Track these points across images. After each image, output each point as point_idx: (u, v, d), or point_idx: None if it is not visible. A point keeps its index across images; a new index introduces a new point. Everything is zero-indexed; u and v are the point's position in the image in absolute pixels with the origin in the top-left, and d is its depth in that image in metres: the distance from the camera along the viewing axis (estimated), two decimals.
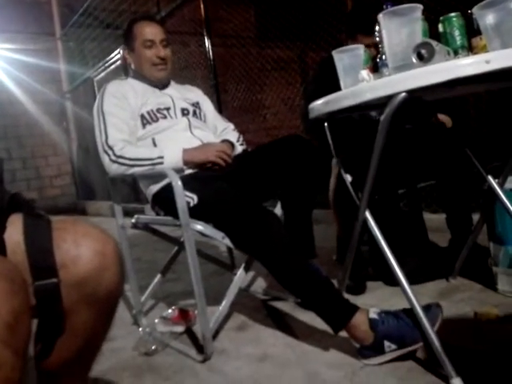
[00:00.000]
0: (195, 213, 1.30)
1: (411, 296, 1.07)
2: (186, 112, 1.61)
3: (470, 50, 1.06)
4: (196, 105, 1.68)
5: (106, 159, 1.46)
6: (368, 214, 1.19)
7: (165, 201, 1.43)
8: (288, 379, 1.15)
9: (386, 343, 1.11)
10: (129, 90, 1.58)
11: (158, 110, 1.56)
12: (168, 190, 1.30)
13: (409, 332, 1.10)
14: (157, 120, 1.55)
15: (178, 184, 1.24)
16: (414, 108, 1.64)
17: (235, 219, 1.28)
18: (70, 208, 6.22)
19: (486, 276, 1.51)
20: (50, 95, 6.17)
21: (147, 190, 1.55)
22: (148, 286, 1.69)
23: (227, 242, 1.32)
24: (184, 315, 1.51)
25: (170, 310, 1.54)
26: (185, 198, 1.28)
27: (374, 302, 1.50)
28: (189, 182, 1.33)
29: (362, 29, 1.66)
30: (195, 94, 1.76)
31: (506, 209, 1.33)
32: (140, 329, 1.52)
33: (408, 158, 1.67)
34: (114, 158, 1.44)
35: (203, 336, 1.28)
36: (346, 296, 1.28)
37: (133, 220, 1.54)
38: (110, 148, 1.45)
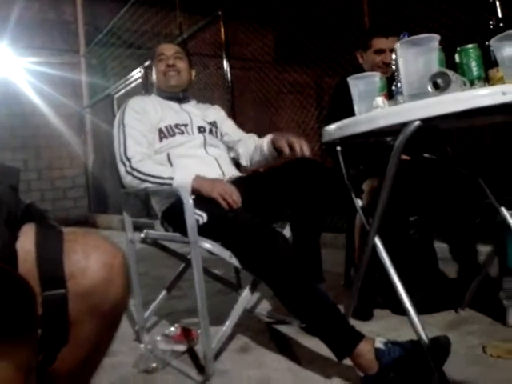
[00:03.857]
0: (204, 231, 1.31)
1: (419, 327, 1.05)
2: (202, 130, 1.64)
3: (487, 81, 1.06)
4: (213, 124, 1.71)
5: (122, 170, 1.48)
6: (377, 240, 1.18)
7: (174, 217, 1.44)
8: None
9: (392, 374, 1.08)
10: (149, 104, 1.62)
11: (177, 125, 1.59)
12: (178, 206, 1.31)
13: (415, 365, 1.07)
14: (174, 135, 1.57)
15: (188, 202, 1.25)
16: (430, 136, 1.64)
17: (244, 239, 1.27)
18: (82, 220, 6.29)
19: (497, 309, 1.47)
20: (71, 109, 6.34)
21: (157, 206, 1.56)
22: (152, 302, 1.68)
23: (234, 261, 1.31)
24: (186, 334, 1.49)
25: (172, 328, 1.52)
26: (194, 216, 1.28)
27: (380, 330, 1.47)
28: (199, 201, 1.34)
29: (378, 30, 1.67)
30: (215, 113, 1.78)
31: None
32: (141, 345, 1.51)
33: (421, 185, 1.66)
34: (129, 169, 1.46)
35: (205, 356, 1.26)
36: (353, 322, 1.25)
37: (142, 235, 1.55)
38: (128, 159, 1.47)
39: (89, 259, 0.67)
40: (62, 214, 6.18)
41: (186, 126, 1.61)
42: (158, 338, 1.50)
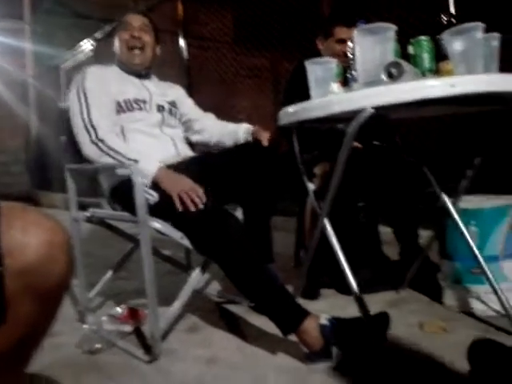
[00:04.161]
0: (154, 211, 1.28)
1: (363, 304, 1.10)
2: (161, 108, 1.59)
3: (437, 73, 1.10)
4: (173, 103, 1.66)
5: (85, 138, 1.39)
6: (327, 223, 1.21)
7: (123, 196, 1.39)
8: (235, 382, 1.14)
9: (335, 349, 1.13)
10: (110, 75, 1.56)
11: (136, 100, 1.54)
12: (127, 184, 1.26)
13: (357, 339, 1.12)
14: (132, 110, 1.52)
15: (138, 179, 1.21)
16: (380, 126, 1.69)
17: (195, 220, 1.26)
18: (24, 197, 5.94)
19: (434, 290, 1.57)
20: (13, 77, 5.91)
21: (106, 183, 1.50)
22: (98, 283, 1.63)
23: (185, 242, 1.30)
24: (133, 314, 1.47)
25: (118, 309, 1.49)
26: (144, 195, 1.25)
27: (326, 308, 1.52)
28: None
29: (341, 19, 1.68)
30: (175, 92, 1.73)
31: (458, 227, 1.39)
32: (85, 326, 1.47)
33: (370, 173, 1.72)
34: (95, 139, 1.38)
35: (152, 336, 1.25)
36: (301, 301, 1.29)
37: (87, 213, 1.49)
38: (94, 129, 1.39)
39: (28, 235, 0.64)
40: (2, 189, 5.81)
41: (144, 102, 1.56)
42: (104, 318, 1.47)
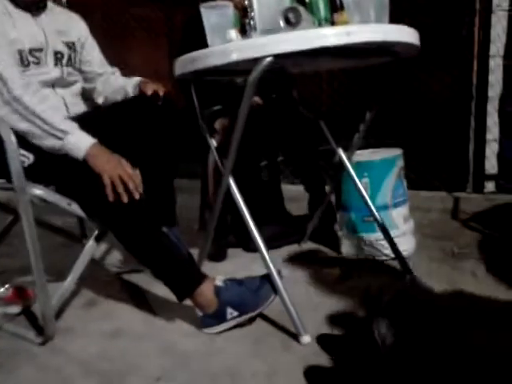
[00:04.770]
0: (33, 174, 1.11)
1: (268, 260, 1.12)
2: (59, 56, 1.31)
3: (332, 24, 1.09)
4: (73, 46, 1.36)
5: None
6: (231, 181, 1.18)
7: None
8: (142, 353, 1.09)
9: (229, 310, 1.12)
10: (1, 11, 1.20)
11: (31, 50, 1.23)
12: None
13: (250, 298, 1.12)
14: (28, 65, 1.22)
15: (10, 139, 1.03)
16: (279, 79, 1.68)
17: (81, 181, 1.12)
18: None
19: (332, 241, 1.66)
20: None
21: None
22: None
23: (75, 209, 1.17)
24: (21, 294, 1.32)
25: (2, 289, 1.34)
26: (19, 157, 1.07)
27: (233, 268, 1.52)
28: (23, 138, 1.11)
29: None
30: (77, 30, 1.40)
31: (352, 179, 1.46)
32: None
33: (270, 130, 1.71)
34: (8, 97, 1.10)
35: (43, 315, 1.13)
36: (208, 264, 1.26)
37: None
38: (4, 83, 1.11)
39: None
40: None
41: (40, 50, 1.26)
42: None
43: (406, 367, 0.80)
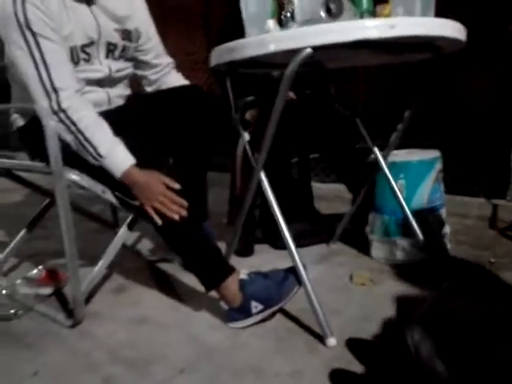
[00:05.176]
0: (71, 160, 1.13)
1: (296, 257, 1.09)
2: (112, 48, 1.25)
3: (374, 16, 1.06)
4: (129, 35, 1.27)
5: (45, 103, 1.08)
6: (263, 176, 1.17)
7: (32, 139, 1.18)
8: (167, 342, 1.09)
9: (253, 303, 1.10)
10: (55, 5, 1.11)
11: (83, 46, 1.18)
12: (37, 124, 1.06)
13: (275, 291, 1.11)
14: (77, 62, 1.18)
15: (49, 124, 1.05)
16: (314, 75, 1.65)
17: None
18: None
19: (363, 243, 1.61)
20: None
21: (15, 121, 1.27)
22: (10, 243, 1.47)
23: (108, 196, 1.19)
24: (53, 276, 1.36)
25: (35, 270, 1.38)
26: (58, 142, 1.08)
27: (259, 263, 1.50)
28: None
29: None
30: (138, 15, 1.30)
31: (388, 180, 1.41)
32: None
33: (303, 126, 1.68)
34: (56, 108, 1.08)
35: (73, 298, 1.15)
36: (235, 258, 1.25)
37: None
38: (56, 92, 1.08)
39: None
40: None
41: (92, 44, 1.19)
42: (18, 281, 1.35)
43: (439, 378, 0.76)
